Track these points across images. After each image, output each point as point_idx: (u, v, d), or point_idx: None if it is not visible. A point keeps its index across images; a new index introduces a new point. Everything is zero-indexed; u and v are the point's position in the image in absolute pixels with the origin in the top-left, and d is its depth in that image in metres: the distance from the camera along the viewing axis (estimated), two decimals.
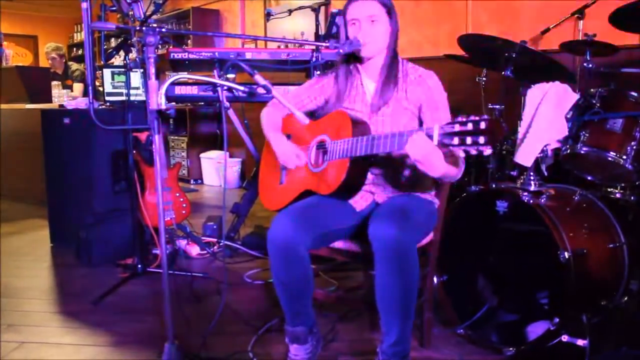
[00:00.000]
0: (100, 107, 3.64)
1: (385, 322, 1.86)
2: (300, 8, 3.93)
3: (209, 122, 6.55)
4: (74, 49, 10.28)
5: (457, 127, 1.48)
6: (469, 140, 1.45)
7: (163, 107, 1.64)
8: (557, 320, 2.02)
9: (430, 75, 2.03)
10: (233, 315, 2.60)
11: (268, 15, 3.89)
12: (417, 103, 2.01)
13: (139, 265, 3.14)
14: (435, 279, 2.36)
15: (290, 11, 3.97)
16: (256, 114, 2.35)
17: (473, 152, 1.47)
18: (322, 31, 3.75)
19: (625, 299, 2.30)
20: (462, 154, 1.73)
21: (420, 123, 2.04)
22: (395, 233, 1.75)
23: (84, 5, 1.76)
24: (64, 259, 3.55)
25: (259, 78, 1.72)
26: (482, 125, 1.43)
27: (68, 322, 2.58)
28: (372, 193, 2.11)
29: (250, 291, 2.96)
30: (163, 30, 1.71)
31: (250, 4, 6.40)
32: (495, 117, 1.43)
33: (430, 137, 1.57)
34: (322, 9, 4.17)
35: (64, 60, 6.62)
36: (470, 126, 1.45)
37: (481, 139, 1.43)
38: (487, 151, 1.45)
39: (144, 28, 1.67)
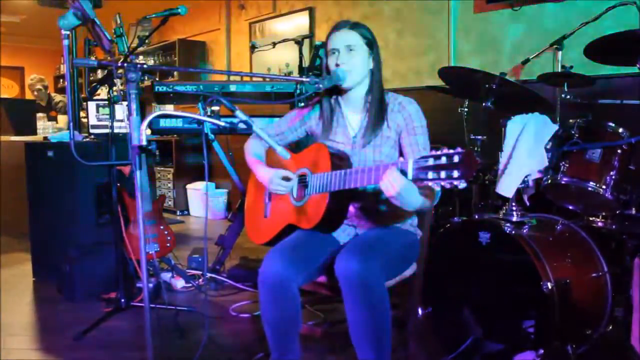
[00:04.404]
0: (84, 139, 3.63)
1: (362, 356, 1.84)
2: (284, 41, 3.97)
3: (195, 153, 6.53)
4: (61, 80, 10.29)
5: (430, 161, 1.47)
6: (443, 174, 1.43)
7: (144, 142, 1.64)
8: (541, 351, 2.02)
9: (410, 102, 2.04)
10: (217, 349, 2.56)
11: (253, 48, 3.94)
12: (398, 130, 2.02)
13: (123, 300, 3.09)
14: (419, 311, 2.35)
15: (274, 44, 4.01)
16: (241, 145, 2.36)
17: (447, 186, 1.45)
18: (306, 63, 3.79)
19: (610, 327, 2.30)
20: (437, 188, 1.73)
21: (400, 151, 2.04)
22: (357, 267, 1.75)
23: (65, 42, 1.77)
24: (46, 293, 3.49)
25: (240, 114, 1.73)
26: (456, 158, 1.41)
27: (48, 359, 2.53)
28: (354, 226, 2.11)
29: (235, 325, 2.93)
30: (145, 66, 1.72)
31: (235, 36, 6.47)
32: (470, 149, 1.41)
33: (405, 172, 1.56)
34: (306, 41, 4.23)
35: (47, 92, 6.63)
36: (444, 160, 1.43)
37: (455, 173, 1.41)
38: (462, 185, 1.42)
39: (125, 64, 1.68)
